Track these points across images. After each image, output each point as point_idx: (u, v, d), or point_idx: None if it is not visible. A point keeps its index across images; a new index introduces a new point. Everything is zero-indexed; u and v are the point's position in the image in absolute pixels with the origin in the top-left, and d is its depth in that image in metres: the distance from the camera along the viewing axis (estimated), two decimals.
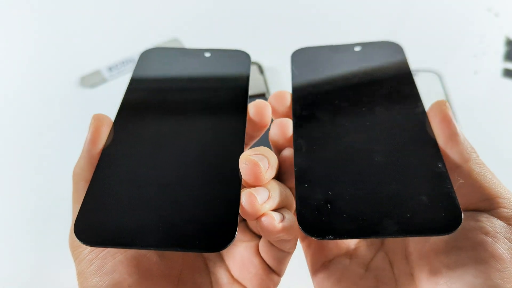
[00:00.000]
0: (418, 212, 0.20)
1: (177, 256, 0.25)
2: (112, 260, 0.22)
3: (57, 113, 0.54)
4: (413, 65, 0.57)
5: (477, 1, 0.67)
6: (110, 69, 0.58)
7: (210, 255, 0.26)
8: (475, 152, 0.22)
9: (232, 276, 0.25)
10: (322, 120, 0.25)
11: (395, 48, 0.29)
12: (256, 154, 0.22)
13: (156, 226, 0.20)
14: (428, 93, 0.56)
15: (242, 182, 0.22)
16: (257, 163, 0.21)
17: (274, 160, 0.23)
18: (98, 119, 0.24)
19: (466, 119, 0.53)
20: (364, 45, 0.30)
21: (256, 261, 0.25)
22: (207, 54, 0.30)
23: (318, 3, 0.67)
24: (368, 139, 0.23)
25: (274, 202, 0.22)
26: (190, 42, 0.61)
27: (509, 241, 0.20)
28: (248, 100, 0.27)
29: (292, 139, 0.24)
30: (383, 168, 0.22)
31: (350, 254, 0.26)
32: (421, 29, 0.63)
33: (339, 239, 0.20)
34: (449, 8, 0.66)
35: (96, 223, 0.20)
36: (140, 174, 0.22)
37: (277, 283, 0.26)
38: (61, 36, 0.64)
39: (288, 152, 0.24)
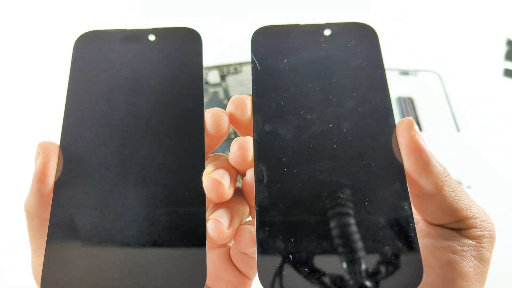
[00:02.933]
0: (382, 270, 0.20)
1: None
2: None
3: (57, 113, 0.54)
4: (413, 65, 0.57)
5: (478, 1, 0.67)
6: None
7: None
8: (448, 175, 0.22)
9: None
10: (285, 139, 0.22)
11: (369, 33, 0.25)
12: (217, 169, 0.22)
13: (126, 282, 0.20)
14: (428, 93, 0.56)
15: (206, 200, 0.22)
16: (220, 181, 0.21)
17: (234, 171, 0.23)
18: (44, 152, 0.22)
19: (466, 119, 0.53)
20: (333, 28, 0.25)
21: (228, 268, 0.25)
22: (152, 37, 0.26)
23: (324, 4, 0.67)
24: (333, 167, 0.21)
25: (238, 220, 0.22)
26: None
27: (475, 259, 0.21)
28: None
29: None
30: (348, 211, 0.21)
31: None
32: (421, 29, 0.63)
33: None
34: (449, 8, 0.66)
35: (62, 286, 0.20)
36: (101, 221, 0.21)
37: (249, 287, 0.26)
38: (62, 36, 0.64)
39: (250, 175, 0.23)
